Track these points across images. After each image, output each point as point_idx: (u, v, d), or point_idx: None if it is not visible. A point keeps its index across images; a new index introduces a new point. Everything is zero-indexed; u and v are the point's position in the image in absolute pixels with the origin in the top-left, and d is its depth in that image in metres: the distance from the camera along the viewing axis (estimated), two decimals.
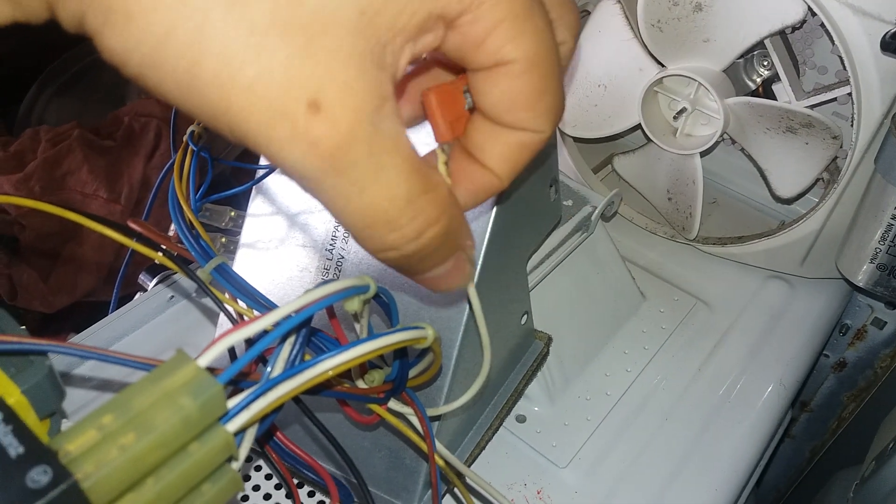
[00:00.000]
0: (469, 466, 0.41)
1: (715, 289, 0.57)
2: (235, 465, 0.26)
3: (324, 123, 0.19)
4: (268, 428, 0.35)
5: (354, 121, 0.20)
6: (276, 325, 0.25)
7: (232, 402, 0.24)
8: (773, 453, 0.70)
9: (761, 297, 0.56)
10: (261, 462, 0.44)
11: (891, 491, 0.42)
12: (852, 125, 0.49)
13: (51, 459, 0.20)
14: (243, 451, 0.26)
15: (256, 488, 0.43)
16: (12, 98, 1.29)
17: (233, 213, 0.45)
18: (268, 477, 0.44)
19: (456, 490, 0.35)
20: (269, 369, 0.27)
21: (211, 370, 0.24)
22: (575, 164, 0.63)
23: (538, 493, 0.43)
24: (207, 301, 0.52)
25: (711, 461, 0.46)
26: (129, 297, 0.53)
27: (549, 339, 0.46)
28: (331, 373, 0.27)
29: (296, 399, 0.32)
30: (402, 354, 0.32)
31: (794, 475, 0.73)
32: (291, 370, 0.26)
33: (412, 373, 0.33)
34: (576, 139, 0.62)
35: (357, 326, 0.32)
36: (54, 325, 1.17)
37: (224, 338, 0.24)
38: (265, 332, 0.25)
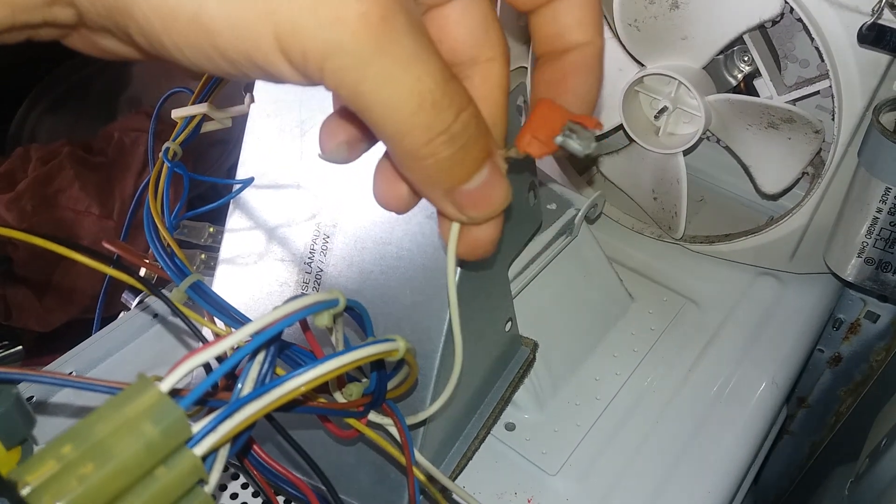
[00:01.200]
0: (456, 477, 0.41)
1: (704, 288, 0.56)
2: (207, 488, 0.26)
3: None
4: (244, 445, 0.34)
5: None
6: (242, 344, 0.25)
7: (200, 425, 0.24)
8: (772, 450, 0.70)
9: (751, 295, 0.56)
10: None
11: (885, 488, 0.42)
12: (833, 119, 0.49)
13: (10, 492, 0.20)
14: (215, 474, 0.26)
15: (234, 496, 0.42)
16: (2, 116, 1.29)
17: (212, 229, 0.45)
18: (244, 486, 0.43)
19: None
20: (238, 387, 0.26)
21: (178, 391, 0.24)
22: (560, 167, 0.62)
23: (529, 501, 0.43)
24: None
25: (705, 463, 0.45)
26: (116, 317, 0.53)
27: (536, 345, 0.46)
28: (303, 388, 0.26)
29: (269, 416, 0.32)
30: (380, 367, 0.32)
31: (794, 472, 0.72)
32: (260, 389, 0.26)
33: (390, 385, 0.32)
34: None
35: (332, 339, 0.32)
36: (51, 344, 1.17)
37: (186, 360, 0.23)
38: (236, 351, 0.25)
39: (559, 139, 0.25)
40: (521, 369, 0.44)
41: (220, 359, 0.28)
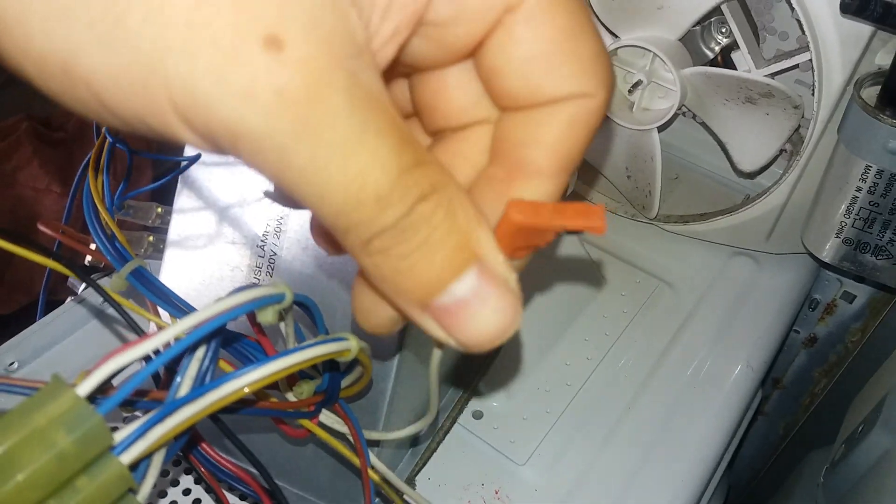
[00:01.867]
0: (419, 471, 0.39)
1: (678, 268, 0.54)
2: (140, 497, 0.23)
3: (289, 64, 0.15)
4: (186, 446, 0.32)
5: (328, 63, 0.15)
6: (172, 342, 0.22)
7: (129, 430, 0.22)
8: (746, 432, 0.69)
9: (727, 276, 0.54)
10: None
11: (861, 476, 0.41)
12: (813, 93, 0.47)
13: None
14: (148, 482, 0.24)
15: (187, 492, 0.41)
16: None
17: (160, 210, 0.42)
18: (187, 472, 0.41)
19: None
20: (176, 384, 0.24)
21: (103, 390, 0.22)
22: None
23: (496, 492, 0.41)
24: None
25: (678, 449, 0.44)
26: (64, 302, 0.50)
27: None
28: (246, 390, 0.24)
29: (213, 417, 0.30)
30: (333, 365, 0.30)
31: (768, 453, 0.72)
32: (198, 391, 0.23)
33: (343, 383, 0.30)
34: None
35: (283, 333, 0.30)
36: (14, 326, 1.13)
37: (108, 360, 0.21)
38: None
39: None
40: (487, 357, 0.42)
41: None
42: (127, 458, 0.21)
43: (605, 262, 0.54)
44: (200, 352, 0.25)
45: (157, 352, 0.22)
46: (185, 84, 0.15)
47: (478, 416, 0.44)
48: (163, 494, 0.40)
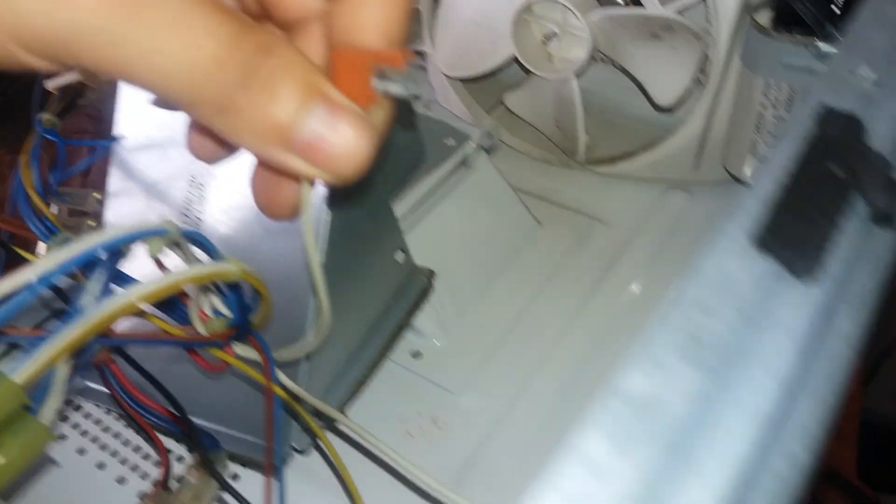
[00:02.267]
0: (345, 403, 0.41)
1: (613, 207, 0.56)
2: (44, 417, 0.26)
3: None
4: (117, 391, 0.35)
5: None
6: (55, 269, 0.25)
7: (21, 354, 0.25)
8: None
9: (660, 209, 0.56)
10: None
11: None
12: (710, 23, 0.49)
13: None
14: (50, 403, 0.26)
15: (117, 436, 0.44)
16: None
17: (97, 195, 0.45)
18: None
19: (319, 441, 0.35)
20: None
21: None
22: (467, 106, 0.62)
23: (433, 420, 0.43)
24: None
25: (609, 367, 0.46)
26: None
27: (432, 273, 0.46)
28: (137, 303, 0.27)
29: (122, 352, 0.32)
30: (241, 300, 0.32)
31: None
32: (84, 312, 0.26)
33: (252, 317, 0.33)
34: (463, 81, 0.61)
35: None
36: None
37: None
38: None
39: (378, 87, 0.22)
40: (416, 297, 0.45)
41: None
42: (20, 378, 0.24)
43: (542, 207, 0.56)
44: (92, 284, 0.27)
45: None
46: (14, 12, 0.17)
47: (417, 355, 0.47)
48: (95, 439, 0.44)
